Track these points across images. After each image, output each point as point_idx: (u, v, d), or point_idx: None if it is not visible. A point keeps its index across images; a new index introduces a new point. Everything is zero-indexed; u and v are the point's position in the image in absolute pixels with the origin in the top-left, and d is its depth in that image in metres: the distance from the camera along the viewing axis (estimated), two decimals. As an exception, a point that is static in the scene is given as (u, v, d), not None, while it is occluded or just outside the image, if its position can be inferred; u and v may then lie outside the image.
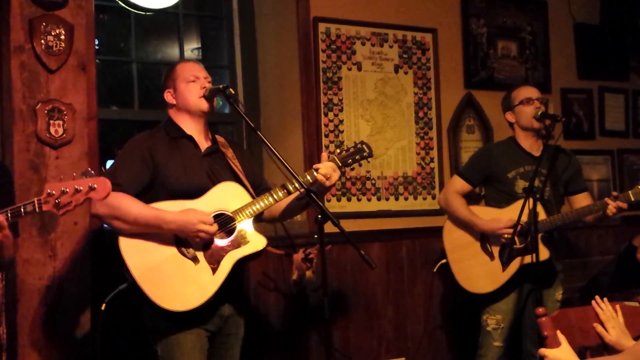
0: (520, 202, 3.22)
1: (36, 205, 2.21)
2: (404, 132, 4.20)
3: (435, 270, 3.70)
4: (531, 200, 3.11)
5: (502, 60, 4.60)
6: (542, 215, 3.36)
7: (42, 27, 3.07)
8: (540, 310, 2.33)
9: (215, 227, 2.60)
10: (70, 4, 3.15)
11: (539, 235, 3.31)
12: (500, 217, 3.40)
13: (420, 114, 4.25)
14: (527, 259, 3.30)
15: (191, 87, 2.77)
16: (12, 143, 3.02)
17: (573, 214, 3.44)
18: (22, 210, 2.23)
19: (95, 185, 2.25)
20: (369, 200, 4.05)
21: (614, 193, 3.38)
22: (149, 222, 2.56)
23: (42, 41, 3.07)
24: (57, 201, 2.21)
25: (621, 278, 4.44)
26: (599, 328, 2.19)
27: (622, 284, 4.27)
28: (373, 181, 4.08)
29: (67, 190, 2.22)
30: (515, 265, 3.38)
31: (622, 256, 4.56)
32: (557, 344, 2.14)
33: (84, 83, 3.18)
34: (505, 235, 3.36)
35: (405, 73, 4.22)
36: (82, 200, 2.25)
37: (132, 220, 2.55)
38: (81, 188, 2.23)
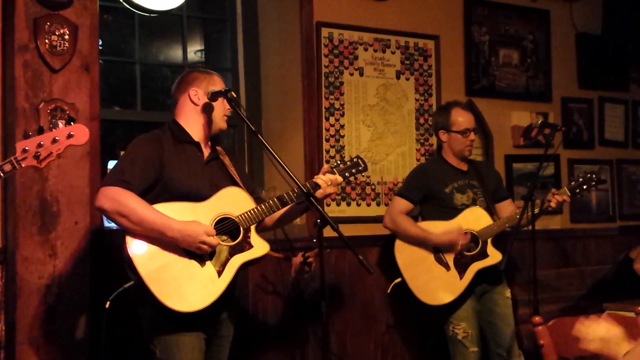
0: (464, 213, 3.56)
1: (14, 163, 2.24)
2: (405, 138, 4.21)
3: (389, 291, 3.72)
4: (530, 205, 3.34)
5: (504, 68, 4.62)
6: (488, 221, 3.58)
7: (46, 26, 3.08)
8: (537, 319, 2.35)
9: (216, 241, 2.61)
10: (75, 4, 3.16)
11: (490, 240, 3.57)
12: (450, 229, 3.53)
13: (421, 120, 4.27)
14: (482, 264, 3.52)
15: (220, 103, 2.80)
16: (15, 142, 3.01)
17: (517, 214, 3.54)
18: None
19: (73, 132, 2.30)
20: (368, 205, 4.06)
21: (554, 190, 3.60)
22: (154, 226, 2.56)
23: (46, 41, 3.08)
24: (36, 154, 2.24)
25: (618, 289, 4.45)
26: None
27: (618, 294, 4.29)
28: (373, 186, 4.09)
29: (43, 142, 2.26)
30: (472, 270, 3.52)
31: (619, 267, 4.58)
32: (553, 353, 2.15)
33: (87, 83, 3.19)
34: (461, 243, 3.49)
35: (407, 79, 4.23)
36: (63, 148, 2.32)
37: (137, 221, 2.55)
38: (58, 137, 2.28)
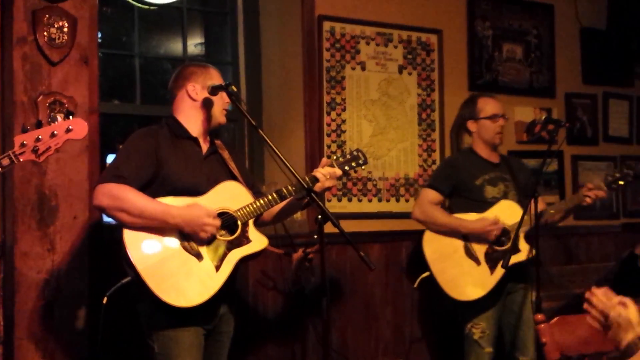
0: (495, 207, 3.46)
1: (12, 157, 2.22)
2: (407, 134, 4.18)
3: (415, 285, 3.66)
4: (533, 202, 3.23)
5: (507, 63, 4.59)
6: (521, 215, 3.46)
7: (45, 18, 3.06)
8: (539, 317, 2.33)
9: (219, 222, 2.60)
10: (74, -3, 3.15)
11: (522, 235, 3.44)
12: (485, 216, 3.45)
13: (424, 116, 4.24)
14: (513, 259, 3.38)
15: (219, 97, 2.77)
16: (13, 135, 3.00)
17: (551, 208, 3.51)
18: None
19: (71, 127, 2.29)
20: (369, 201, 4.04)
21: (589, 185, 3.49)
22: (155, 215, 2.55)
23: (45, 33, 3.05)
24: (34, 148, 2.22)
25: (622, 285, 4.43)
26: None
27: (623, 291, 4.27)
28: (374, 182, 4.06)
29: (42, 137, 2.25)
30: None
31: (624, 263, 4.56)
32: (555, 351, 2.12)
33: (86, 76, 3.16)
34: (494, 233, 3.40)
35: (409, 74, 4.20)
36: (61, 142, 2.30)
37: (138, 213, 2.53)
38: (57, 132, 2.27)
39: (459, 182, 3.58)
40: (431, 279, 3.53)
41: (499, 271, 3.40)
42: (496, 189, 3.55)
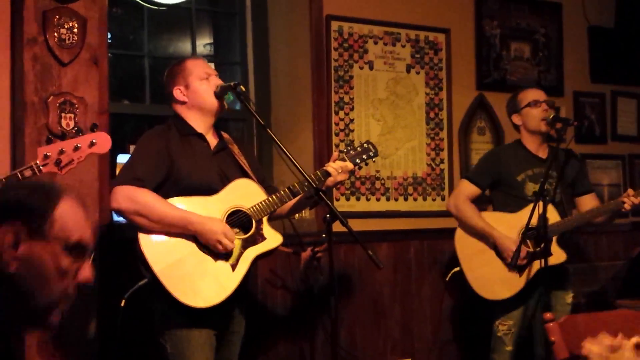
0: (531, 206, 3.26)
1: (35, 169, 2.22)
2: (415, 133, 4.18)
3: (447, 279, 3.67)
4: (541, 203, 3.14)
5: (515, 62, 4.58)
6: (556, 217, 3.38)
7: (55, 19, 3.07)
8: (548, 315, 2.32)
9: (233, 245, 2.60)
10: (83, -3, 3.16)
11: (555, 238, 3.36)
12: (514, 240, 3.33)
13: (432, 115, 4.24)
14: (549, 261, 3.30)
15: (206, 85, 2.76)
16: (24, 135, 3.02)
17: (588, 214, 3.45)
18: (19, 176, 2.22)
19: (96, 140, 2.29)
20: (378, 200, 4.04)
21: (631, 191, 3.42)
22: (175, 222, 2.55)
23: (55, 34, 3.06)
24: (57, 161, 2.22)
25: (633, 284, 4.41)
26: None
27: (633, 290, 4.25)
28: (382, 181, 4.06)
29: (65, 149, 2.24)
30: (532, 269, 3.37)
31: (634, 262, 4.53)
32: (564, 350, 2.12)
33: (96, 77, 3.17)
34: (509, 259, 3.31)
35: (417, 73, 4.20)
36: (84, 156, 2.32)
37: (157, 219, 2.54)
38: (80, 145, 2.26)
39: (500, 177, 3.51)
40: (461, 275, 3.52)
41: (528, 274, 3.36)
42: (538, 186, 3.39)
